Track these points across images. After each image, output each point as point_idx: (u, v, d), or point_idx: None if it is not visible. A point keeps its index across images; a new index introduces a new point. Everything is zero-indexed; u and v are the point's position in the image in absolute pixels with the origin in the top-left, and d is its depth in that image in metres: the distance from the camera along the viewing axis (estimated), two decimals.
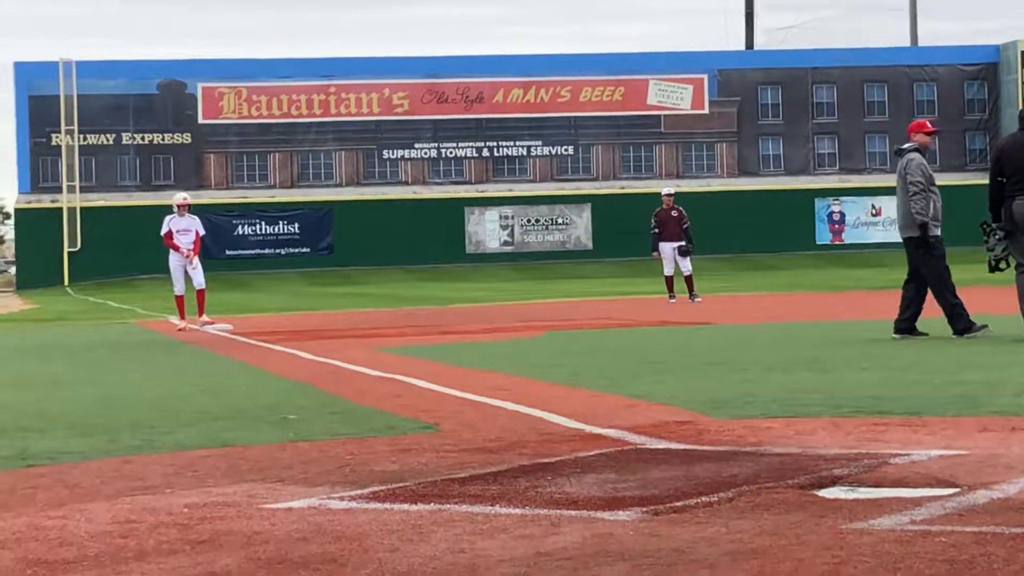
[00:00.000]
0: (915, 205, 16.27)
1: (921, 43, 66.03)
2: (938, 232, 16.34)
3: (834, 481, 6.45)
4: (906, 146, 16.73)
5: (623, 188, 62.29)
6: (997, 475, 6.45)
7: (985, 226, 15.50)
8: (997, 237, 15.28)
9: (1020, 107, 16.00)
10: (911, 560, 4.82)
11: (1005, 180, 15.03)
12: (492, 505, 6.11)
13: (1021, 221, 14.93)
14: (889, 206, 60.61)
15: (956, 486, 6.21)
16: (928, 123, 17.22)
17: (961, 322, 15.89)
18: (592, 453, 7.58)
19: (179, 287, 24.96)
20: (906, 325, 16.22)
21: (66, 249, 66.51)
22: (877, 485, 6.34)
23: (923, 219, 16.20)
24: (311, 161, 64.88)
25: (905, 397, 10.03)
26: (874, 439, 7.82)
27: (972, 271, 27.44)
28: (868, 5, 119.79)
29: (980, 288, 26.29)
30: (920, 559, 4.84)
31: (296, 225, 64.09)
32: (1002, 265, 15.41)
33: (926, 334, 16.03)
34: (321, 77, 64.39)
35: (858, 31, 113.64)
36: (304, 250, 64.21)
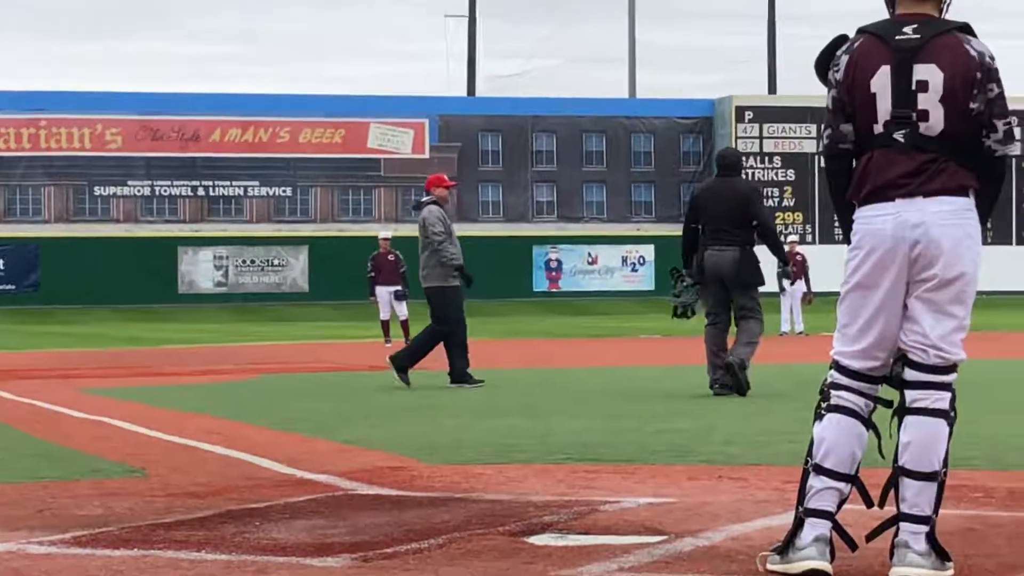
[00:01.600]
0: (445, 253, 17.01)
1: (640, 95, 67.39)
2: (456, 283, 17.03)
3: (544, 528, 6.46)
4: (424, 199, 17.55)
5: (341, 231, 62.14)
6: (704, 523, 6.54)
7: (675, 272, 15.53)
8: (685, 284, 15.23)
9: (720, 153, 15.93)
10: None
11: (700, 228, 14.99)
12: (198, 551, 5.97)
13: (711, 272, 14.89)
14: (607, 254, 61.68)
15: (664, 533, 6.27)
16: (446, 178, 18.00)
17: (460, 373, 16.64)
18: (302, 499, 7.47)
19: None
20: (401, 365, 16.80)
21: None
22: (586, 532, 6.37)
23: (458, 261, 17.02)
24: (18, 196, 63.34)
25: (617, 444, 10.14)
26: (585, 486, 7.87)
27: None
28: (589, 56, 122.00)
29: (674, 339, 26.79)
30: None
31: (1, 262, 62.43)
32: (689, 313, 15.45)
33: (481, 382, 16.61)
34: (31, 110, 62.96)
35: (579, 81, 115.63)
36: (9, 287, 62.58)
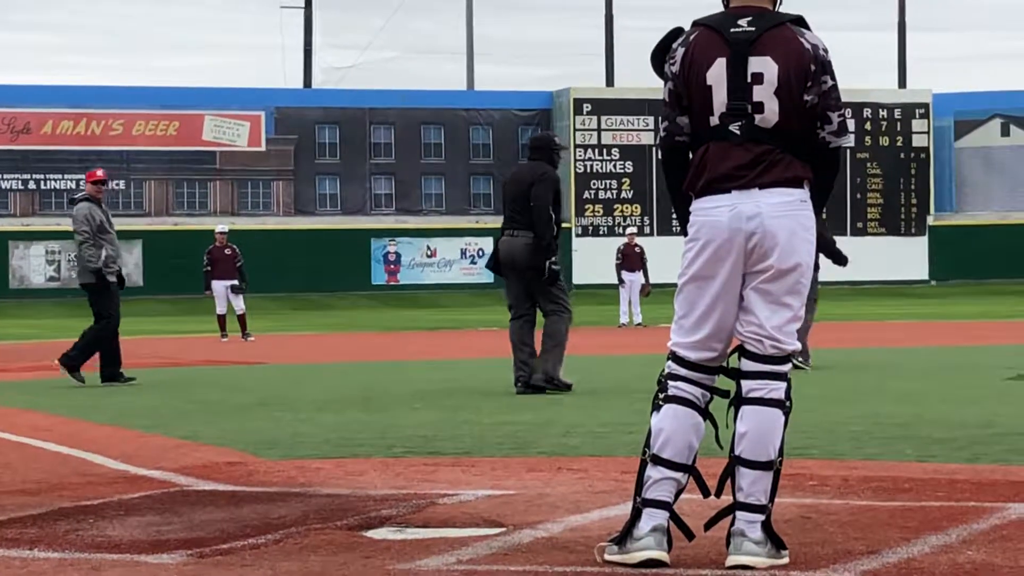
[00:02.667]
0: (84, 253, 16.75)
1: (478, 87, 67.44)
2: (111, 280, 16.74)
3: (382, 522, 6.42)
4: (78, 195, 17.36)
5: (176, 225, 61.48)
6: (543, 514, 6.54)
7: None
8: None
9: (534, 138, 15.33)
10: None
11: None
12: (30, 549, 5.86)
13: (505, 260, 14.11)
14: (445, 246, 61.66)
15: (502, 526, 6.27)
16: (99, 172, 17.48)
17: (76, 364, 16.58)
18: (137, 495, 7.36)
19: None
20: (105, 372, 16.65)
21: None
22: (425, 525, 6.35)
23: (95, 265, 16.65)
24: None
25: (456, 437, 10.12)
26: (424, 479, 7.84)
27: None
28: (427, 48, 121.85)
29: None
30: None
31: None
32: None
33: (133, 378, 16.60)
34: None
35: (417, 73, 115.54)
36: None
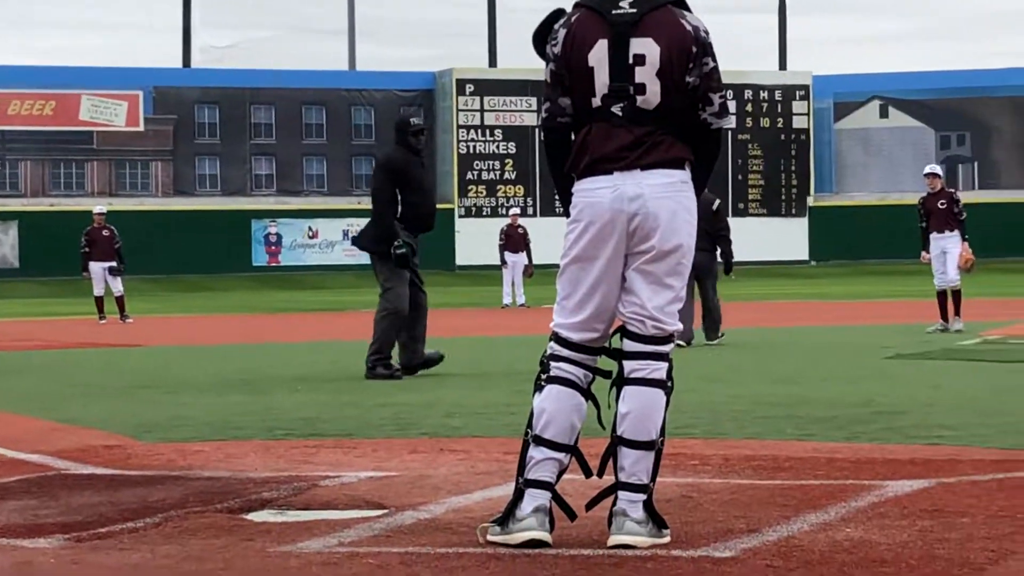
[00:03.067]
0: None
1: (359, 67, 67.16)
2: None
3: (263, 504, 6.38)
4: None
5: (52, 205, 60.70)
6: (425, 496, 6.53)
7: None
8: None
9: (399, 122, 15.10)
10: None
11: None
12: None
13: (366, 245, 14.11)
14: (327, 227, 61.34)
15: (385, 507, 6.24)
16: None
17: None
18: (13, 479, 7.26)
19: None
20: None
21: None
22: (306, 508, 6.31)
23: None
24: None
25: (338, 419, 10.08)
26: (305, 462, 7.80)
27: None
28: (308, 27, 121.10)
29: None
30: None
31: None
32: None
33: None
34: None
35: (298, 53, 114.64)
36: None
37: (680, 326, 5.55)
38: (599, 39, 5.45)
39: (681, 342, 16.88)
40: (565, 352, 5.51)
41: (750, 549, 5.29)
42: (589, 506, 5.57)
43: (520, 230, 34.34)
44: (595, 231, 5.44)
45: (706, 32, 5.53)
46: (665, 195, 5.43)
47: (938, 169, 21.20)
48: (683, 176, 5.50)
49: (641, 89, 5.44)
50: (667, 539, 5.41)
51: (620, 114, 5.45)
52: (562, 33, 5.53)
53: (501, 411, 10.32)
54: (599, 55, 5.45)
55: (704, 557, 5.19)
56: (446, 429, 9.36)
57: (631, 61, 5.43)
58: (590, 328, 5.50)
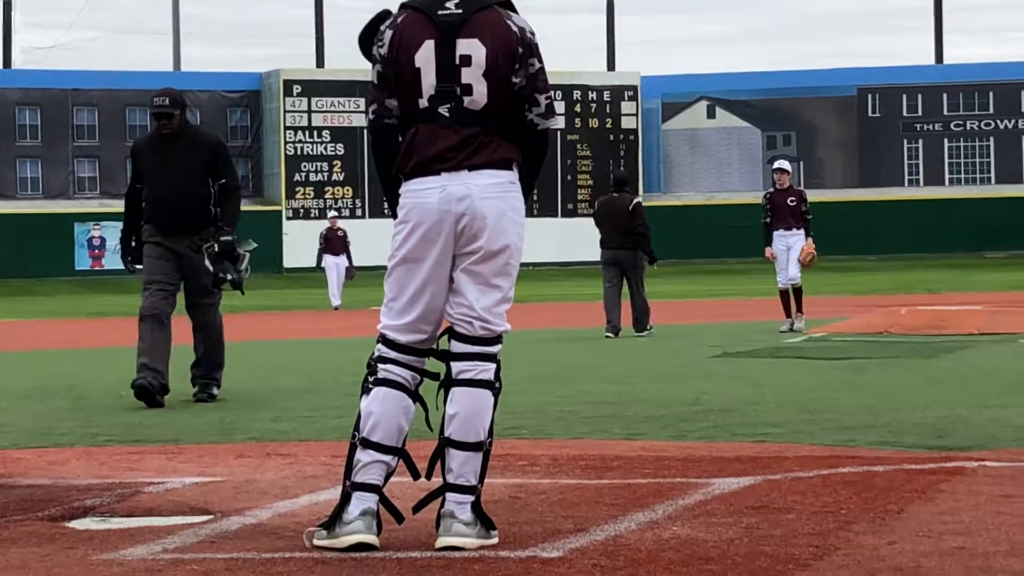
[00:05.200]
0: None
1: (184, 68, 66.39)
2: None
3: (85, 512, 6.27)
4: None
5: None
6: (251, 501, 6.46)
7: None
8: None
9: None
10: None
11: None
12: None
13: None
14: None
15: (210, 513, 6.17)
16: None
17: None
18: None
19: None
20: None
21: None
22: (130, 514, 6.22)
23: None
24: None
25: (162, 425, 9.95)
26: (129, 468, 7.68)
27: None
28: (133, 28, 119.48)
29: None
30: None
31: None
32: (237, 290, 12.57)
33: None
34: None
35: (121, 54, 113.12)
36: None
37: (508, 326, 5.55)
38: (425, 40, 5.44)
39: (609, 333, 19.34)
40: (392, 354, 5.49)
41: (577, 549, 5.30)
42: (417, 508, 5.54)
43: (340, 232, 34.15)
44: (423, 232, 5.42)
45: (532, 33, 5.54)
46: (493, 196, 5.43)
47: (787, 165, 21.36)
48: (511, 177, 5.51)
49: (468, 90, 5.43)
50: (495, 540, 5.40)
51: (447, 115, 5.44)
52: (388, 34, 5.51)
53: (328, 414, 10.25)
54: (426, 56, 5.44)
55: (532, 557, 5.19)
56: (273, 433, 9.28)
57: (457, 62, 5.43)
58: (418, 330, 5.48)
